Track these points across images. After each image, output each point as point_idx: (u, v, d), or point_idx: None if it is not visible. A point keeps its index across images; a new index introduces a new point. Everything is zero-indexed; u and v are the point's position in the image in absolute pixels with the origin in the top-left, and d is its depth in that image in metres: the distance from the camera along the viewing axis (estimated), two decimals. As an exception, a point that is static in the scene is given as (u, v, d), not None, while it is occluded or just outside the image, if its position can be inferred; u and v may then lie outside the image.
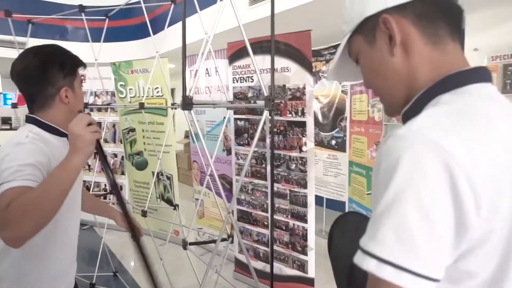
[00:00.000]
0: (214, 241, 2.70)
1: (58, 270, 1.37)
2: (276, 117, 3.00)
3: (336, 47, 4.41)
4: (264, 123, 3.25)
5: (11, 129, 9.72)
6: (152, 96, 4.11)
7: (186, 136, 8.15)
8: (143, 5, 2.94)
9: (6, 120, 10.02)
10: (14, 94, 9.48)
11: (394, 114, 0.76)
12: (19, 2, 6.79)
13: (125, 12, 6.79)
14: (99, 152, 1.22)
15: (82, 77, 1.42)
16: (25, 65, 1.28)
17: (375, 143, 3.57)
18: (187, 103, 1.35)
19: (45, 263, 1.31)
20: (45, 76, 1.28)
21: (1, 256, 1.24)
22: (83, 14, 3.24)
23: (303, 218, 2.98)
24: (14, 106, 3.29)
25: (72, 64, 1.34)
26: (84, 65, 1.39)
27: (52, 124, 1.32)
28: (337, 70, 0.86)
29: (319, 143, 4.65)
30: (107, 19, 3.43)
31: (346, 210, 4.30)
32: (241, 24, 1.82)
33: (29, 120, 1.33)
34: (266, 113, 1.39)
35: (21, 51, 1.34)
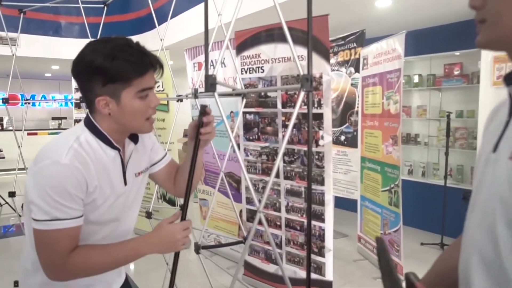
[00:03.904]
0: (229, 244, 2.50)
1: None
2: (289, 109, 2.80)
3: (344, 38, 4.22)
4: (276, 117, 3.05)
5: (2, 129, 9.44)
6: (152, 91, 3.90)
7: (185, 135, 7.91)
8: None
9: (-2, 121, 9.74)
10: (4, 93, 9.20)
11: (487, 46, 0.65)
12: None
13: (121, 6, 6.56)
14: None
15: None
16: (79, 56, 1.07)
17: (391, 137, 3.38)
18: (211, 84, 1.13)
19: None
20: (86, 77, 1.06)
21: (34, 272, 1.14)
22: (79, 1, 3.00)
23: (319, 217, 2.78)
24: (5, 101, 3.00)
25: (121, 70, 1.03)
26: (150, 70, 1.08)
27: (105, 133, 1.11)
28: None
29: (328, 139, 4.46)
30: (105, 7, 3.20)
31: (358, 209, 4.11)
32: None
33: (86, 122, 1.12)
34: (302, 95, 1.17)
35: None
